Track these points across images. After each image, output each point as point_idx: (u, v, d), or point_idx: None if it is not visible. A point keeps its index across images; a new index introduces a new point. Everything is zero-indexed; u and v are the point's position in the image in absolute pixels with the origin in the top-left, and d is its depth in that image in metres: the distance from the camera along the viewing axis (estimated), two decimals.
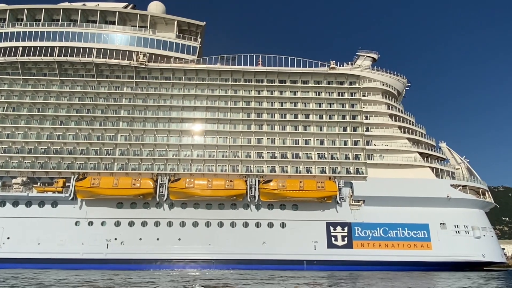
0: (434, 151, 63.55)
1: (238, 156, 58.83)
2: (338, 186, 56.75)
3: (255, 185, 56.41)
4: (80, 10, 62.18)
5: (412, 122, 64.33)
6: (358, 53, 69.75)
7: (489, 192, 64.08)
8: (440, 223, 57.48)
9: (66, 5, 62.77)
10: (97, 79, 61.16)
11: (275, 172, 58.06)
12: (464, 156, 68.07)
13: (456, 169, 64.37)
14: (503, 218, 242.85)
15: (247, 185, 56.11)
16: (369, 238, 56.34)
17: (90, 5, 64.49)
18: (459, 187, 59.54)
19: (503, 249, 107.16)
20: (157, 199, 55.52)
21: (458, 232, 57.45)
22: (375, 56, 69.80)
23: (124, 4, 68.28)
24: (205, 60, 62.83)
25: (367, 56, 69.23)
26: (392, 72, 66.81)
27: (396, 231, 56.84)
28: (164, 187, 55.80)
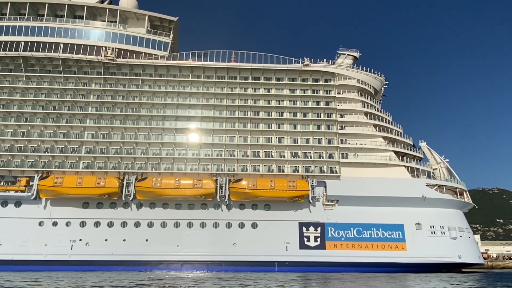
0: (412, 150, 62.36)
1: (209, 155, 57.22)
2: (311, 186, 55.29)
3: (226, 184, 54.85)
4: (47, 4, 60.27)
5: (389, 120, 63.11)
6: (338, 52, 68.72)
7: (467, 192, 62.82)
8: (416, 224, 56.14)
9: None
10: (64, 75, 59.25)
11: (247, 171, 56.50)
12: (443, 156, 67.12)
13: (434, 169, 63.18)
14: (498, 220, 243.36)
15: (217, 184, 54.50)
16: (343, 239, 54.86)
17: (73, 1, 62.65)
18: (435, 187, 58.25)
19: (487, 250, 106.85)
20: (123, 199, 53.72)
21: (434, 233, 56.12)
22: (356, 54, 68.74)
23: None
24: (177, 56, 61.23)
25: (348, 55, 68.19)
26: (369, 69, 65.70)
27: (370, 231, 55.41)
28: (131, 186, 54.07)
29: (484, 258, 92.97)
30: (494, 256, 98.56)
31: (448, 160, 66.72)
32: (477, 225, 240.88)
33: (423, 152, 66.46)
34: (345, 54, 68.00)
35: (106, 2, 66.99)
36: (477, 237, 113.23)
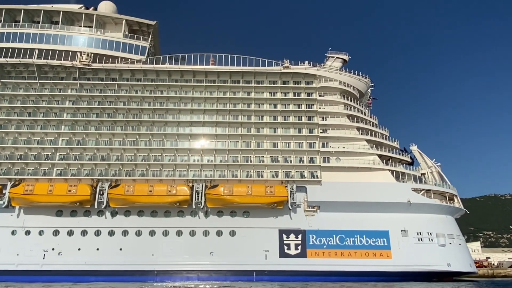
0: (398, 154, 60.07)
1: (186, 160, 55.54)
2: (290, 191, 53.17)
3: (202, 190, 53.04)
4: (23, 11, 59.78)
5: (374, 123, 61.08)
6: (327, 55, 67.22)
7: (458, 197, 60.05)
8: (401, 230, 53.51)
9: (7, 5, 60.40)
10: (40, 81, 58.40)
11: (225, 177, 54.67)
12: (434, 159, 64.78)
13: (422, 173, 60.73)
14: (511, 227, 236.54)
15: (192, 190, 52.73)
16: (324, 247, 52.47)
17: (45, 6, 62.05)
18: (422, 192, 55.68)
19: (488, 258, 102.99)
20: (96, 207, 52.13)
21: (421, 240, 53.40)
22: (346, 57, 67.08)
23: (80, 5, 66.17)
24: (156, 61, 59.93)
25: (337, 57, 66.58)
26: (353, 71, 63.81)
27: (353, 238, 52.96)
28: (104, 193, 52.52)
29: (485, 266, 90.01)
30: (495, 263, 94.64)
31: (439, 164, 64.44)
32: (490, 232, 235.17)
33: (414, 156, 64.37)
34: (333, 57, 66.44)
35: (92, 8, 66.49)
36: (477, 244, 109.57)
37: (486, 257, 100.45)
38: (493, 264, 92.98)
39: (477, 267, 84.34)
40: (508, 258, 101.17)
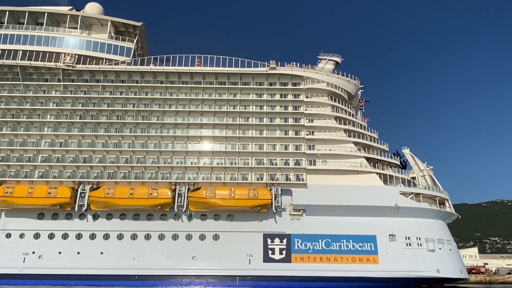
0: (389, 157, 58.81)
1: (169, 163, 54.63)
2: (275, 194, 52.03)
3: (185, 193, 52.07)
4: (8, 12, 59.58)
5: (363, 125, 59.86)
6: (319, 57, 66.29)
7: (449, 201, 58.63)
8: (389, 235, 52.10)
9: None
10: (24, 82, 57.96)
11: (208, 179, 53.68)
12: (426, 163, 63.40)
13: (412, 177, 59.35)
14: None
15: (174, 193, 51.77)
16: (310, 251, 51.14)
17: (30, 8, 61.88)
18: (411, 195, 54.35)
19: (486, 264, 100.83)
20: (76, 209, 51.33)
21: (409, 245, 51.93)
22: (338, 59, 66.18)
23: (69, 7, 66.03)
24: (141, 62, 59.27)
25: (329, 60, 65.64)
26: (341, 73, 62.81)
27: (339, 243, 51.59)
28: (85, 196, 51.73)
29: (482, 273, 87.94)
30: (493, 270, 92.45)
31: (431, 167, 63.01)
32: (496, 238, 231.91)
33: (407, 159, 63.12)
34: (326, 59, 65.54)
35: (82, 11, 66.27)
36: (474, 250, 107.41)
37: (484, 263, 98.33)
38: (491, 270, 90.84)
39: (474, 273, 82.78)
40: (507, 265, 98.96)
